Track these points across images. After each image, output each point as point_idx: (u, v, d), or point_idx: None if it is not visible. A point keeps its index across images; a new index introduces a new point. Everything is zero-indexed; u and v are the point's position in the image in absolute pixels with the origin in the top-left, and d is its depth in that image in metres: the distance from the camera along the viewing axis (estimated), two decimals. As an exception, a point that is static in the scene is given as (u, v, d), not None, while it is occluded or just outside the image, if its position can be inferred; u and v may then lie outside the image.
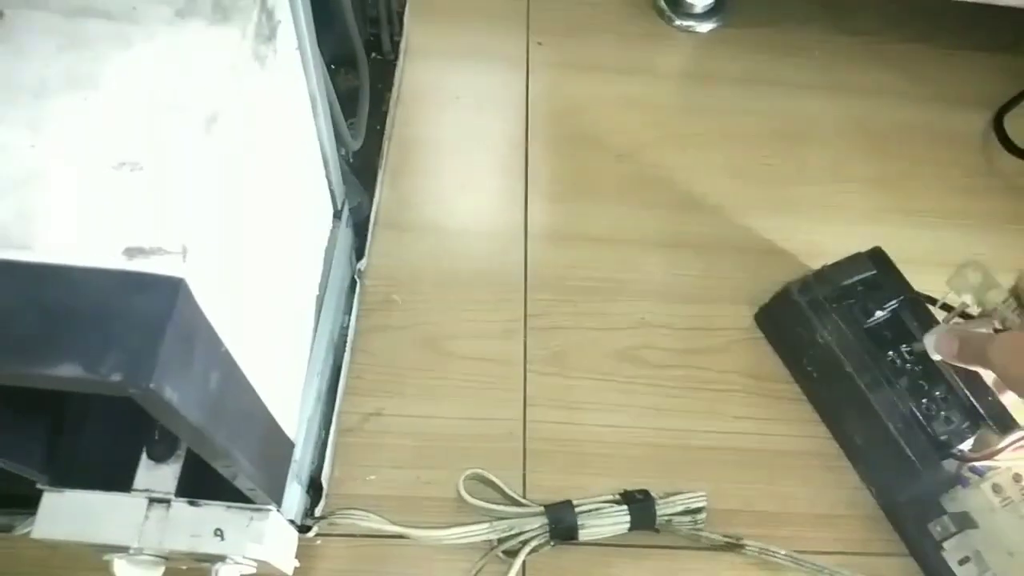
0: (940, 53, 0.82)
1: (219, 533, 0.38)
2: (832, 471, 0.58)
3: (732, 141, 0.74)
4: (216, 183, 0.28)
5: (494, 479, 0.53)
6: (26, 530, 0.42)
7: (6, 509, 0.44)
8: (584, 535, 0.51)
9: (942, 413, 0.54)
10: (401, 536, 0.50)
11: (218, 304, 0.27)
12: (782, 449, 0.59)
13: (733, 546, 0.53)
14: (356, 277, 0.59)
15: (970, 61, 0.82)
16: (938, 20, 0.83)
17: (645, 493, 0.53)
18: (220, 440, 0.28)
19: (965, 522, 0.52)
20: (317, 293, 0.50)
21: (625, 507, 0.52)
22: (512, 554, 0.51)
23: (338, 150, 0.51)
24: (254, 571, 0.40)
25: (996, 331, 0.50)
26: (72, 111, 0.28)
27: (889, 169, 0.74)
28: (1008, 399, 0.54)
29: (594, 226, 0.67)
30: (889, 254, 0.60)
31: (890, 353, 0.56)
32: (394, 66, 0.70)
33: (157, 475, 0.38)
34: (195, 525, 0.38)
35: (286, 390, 0.42)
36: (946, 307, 0.55)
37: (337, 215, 0.54)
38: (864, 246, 0.60)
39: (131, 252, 0.24)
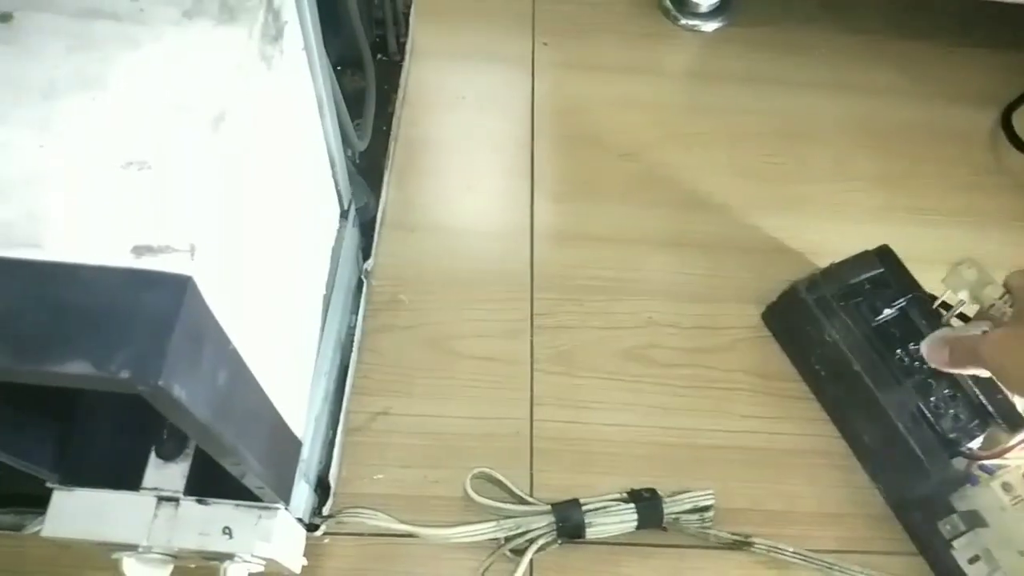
0: (944, 51, 0.81)
1: (228, 531, 0.38)
2: (840, 469, 0.58)
3: (737, 140, 0.73)
4: (223, 182, 0.28)
5: (501, 478, 0.53)
6: (36, 529, 0.42)
7: (16, 508, 0.45)
8: (591, 533, 0.51)
9: (951, 411, 0.54)
10: (409, 535, 0.50)
11: (226, 302, 0.27)
12: (790, 448, 0.58)
13: (742, 544, 0.53)
14: (363, 277, 0.59)
15: (974, 58, 0.81)
16: (942, 18, 0.82)
17: (652, 492, 0.53)
18: (228, 438, 0.28)
19: (975, 521, 0.52)
20: (324, 292, 0.50)
21: (632, 505, 0.52)
22: (519, 552, 0.51)
23: (344, 150, 0.52)
24: (262, 569, 0.40)
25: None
26: (80, 111, 0.28)
27: (895, 167, 0.74)
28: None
29: (600, 225, 0.67)
30: (896, 252, 0.59)
31: (898, 351, 0.55)
32: (400, 67, 0.70)
33: (166, 474, 0.38)
34: (204, 523, 0.38)
35: (293, 389, 0.42)
36: (945, 305, 0.55)
37: (344, 215, 0.54)
38: (870, 244, 0.60)
39: (139, 250, 0.24)
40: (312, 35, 0.40)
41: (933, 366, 0.53)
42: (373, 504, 0.50)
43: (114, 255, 0.24)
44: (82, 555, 0.46)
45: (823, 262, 0.61)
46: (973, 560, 0.52)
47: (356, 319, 0.57)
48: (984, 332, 0.50)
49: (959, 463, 0.53)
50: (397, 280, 0.62)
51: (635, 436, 0.58)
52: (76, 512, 0.37)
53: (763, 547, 0.53)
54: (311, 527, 0.47)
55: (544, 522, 0.51)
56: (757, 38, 0.80)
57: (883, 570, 0.53)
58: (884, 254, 0.60)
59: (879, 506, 0.56)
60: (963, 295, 0.52)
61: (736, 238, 0.68)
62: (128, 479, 0.38)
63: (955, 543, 0.52)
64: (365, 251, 0.59)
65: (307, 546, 0.46)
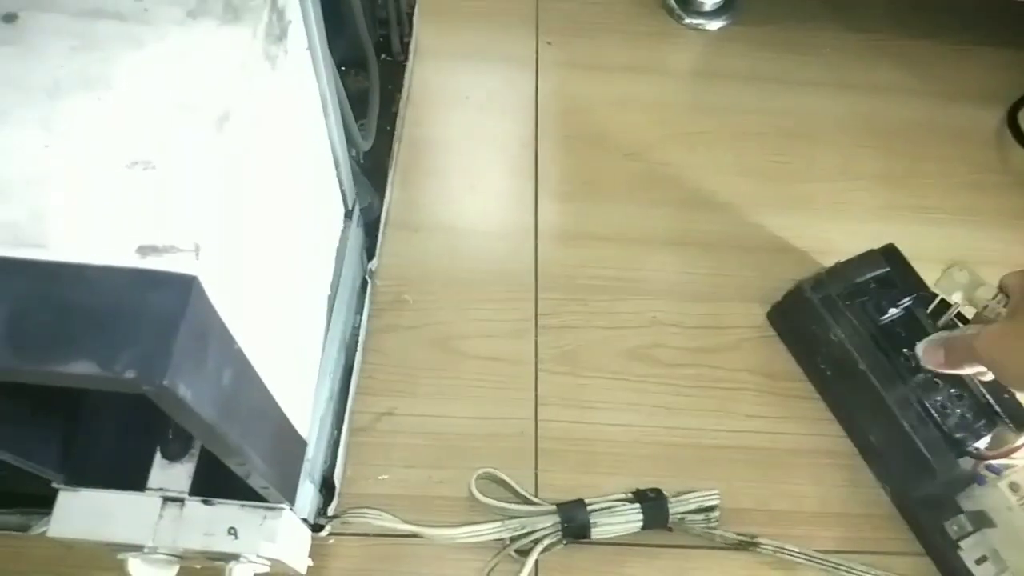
0: (949, 49, 0.81)
1: (233, 532, 0.38)
2: (845, 469, 0.58)
3: (742, 139, 0.73)
4: (227, 182, 0.28)
5: (506, 478, 0.53)
6: (42, 529, 0.42)
7: (22, 508, 0.45)
8: (596, 534, 0.51)
9: (957, 411, 0.54)
10: (414, 535, 0.50)
11: (230, 302, 0.27)
12: (795, 448, 0.58)
13: (747, 544, 0.53)
14: (367, 277, 0.59)
15: (979, 56, 0.81)
16: (946, 16, 0.82)
17: (657, 492, 0.53)
18: (233, 437, 0.28)
19: (982, 521, 0.52)
20: (329, 293, 0.50)
21: (637, 506, 0.52)
22: (524, 553, 0.51)
23: (349, 150, 0.52)
24: (267, 570, 0.40)
25: None
26: (84, 111, 0.28)
27: (899, 166, 0.73)
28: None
29: (604, 225, 0.67)
30: (901, 251, 0.59)
31: (904, 351, 0.55)
32: (404, 67, 0.70)
33: (171, 474, 0.38)
34: (209, 524, 0.38)
35: (298, 389, 0.42)
36: (942, 306, 0.55)
37: (348, 215, 0.54)
38: (875, 243, 0.60)
39: (144, 250, 0.24)
40: (316, 35, 0.40)
41: (929, 369, 0.53)
42: (378, 504, 0.50)
43: (119, 255, 0.24)
44: (88, 555, 0.46)
45: (828, 261, 0.61)
46: (980, 561, 0.51)
47: (360, 319, 0.57)
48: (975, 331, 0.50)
49: (966, 463, 0.53)
50: (401, 280, 0.62)
51: (640, 436, 0.57)
52: (82, 512, 0.37)
53: (769, 547, 0.53)
54: (316, 527, 0.47)
55: (549, 522, 0.51)
56: (761, 37, 0.80)
57: (889, 570, 0.53)
58: (890, 253, 0.59)
59: (885, 506, 0.56)
60: (957, 297, 0.52)
61: (740, 237, 0.67)
62: (133, 479, 0.38)
63: (962, 543, 0.52)
64: (369, 251, 0.59)
65: (312, 546, 0.46)
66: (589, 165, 0.70)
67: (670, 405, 0.59)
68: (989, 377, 0.52)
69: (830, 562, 0.53)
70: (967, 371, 0.51)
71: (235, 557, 0.38)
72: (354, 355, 0.55)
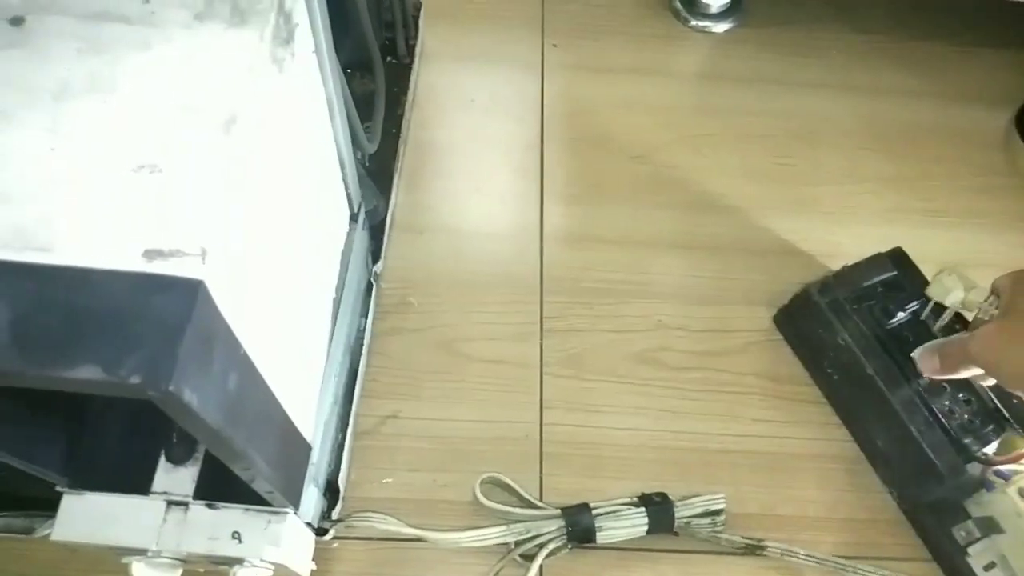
0: (955, 51, 0.81)
1: (237, 536, 0.38)
2: (852, 474, 0.57)
3: (748, 142, 0.73)
4: (233, 186, 0.28)
5: (510, 482, 0.53)
6: (46, 532, 0.42)
7: (26, 511, 0.44)
8: (601, 538, 0.51)
9: (965, 416, 0.53)
10: (418, 539, 0.50)
11: (236, 306, 0.27)
12: (801, 452, 0.58)
13: (754, 549, 0.53)
14: (372, 280, 0.59)
15: (986, 58, 0.81)
16: (952, 18, 0.82)
17: (663, 496, 0.53)
18: (238, 442, 0.28)
19: (990, 527, 0.51)
20: (334, 296, 0.50)
21: (643, 510, 0.52)
22: (529, 557, 0.50)
23: (354, 153, 0.51)
24: (271, 574, 0.40)
25: None
26: (91, 114, 0.28)
27: (906, 169, 0.73)
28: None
29: (610, 228, 0.67)
30: (908, 254, 0.59)
31: (911, 355, 0.55)
32: (409, 69, 0.70)
33: (175, 477, 0.38)
34: (213, 528, 0.38)
35: (303, 392, 0.42)
36: (939, 308, 0.55)
37: (353, 218, 0.54)
38: (882, 246, 0.60)
39: (150, 254, 0.24)
40: (323, 38, 0.40)
41: (926, 376, 0.53)
42: (382, 508, 0.50)
43: (125, 259, 0.24)
44: (92, 559, 0.46)
45: (835, 264, 0.61)
46: (989, 567, 0.51)
47: (365, 322, 0.57)
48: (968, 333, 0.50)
49: (974, 468, 0.52)
50: (406, 283, 0.62)
51: (645, 440, 0.57)
52: (85, 516, 0.37)
53: (775, 552, 0.52)
54: (320, 531, 0.47)
55: (554, 526, 0.50)
56: (767, 39, 0.80)
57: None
58: (897, 257, 0.59)
59: (892, 511, 0.56)
60: (950, 301, 0.52)
61: (747, 240, 0.67)
62: (137, 483, 0.38)
63: (970, 549, 0.51)
64: (374, 254, 0.59)
65: (316, 550, 0.46)
66: (595, 168, 0.70)
67: (676, 409, 0.59)
68: (990, 381, 0.52)
69: (837, 562, 0.52)
70: (963, 375, 0.51)
71: (239, 561, 0.38)
72: (359, 358, 0.55)
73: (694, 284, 0.65)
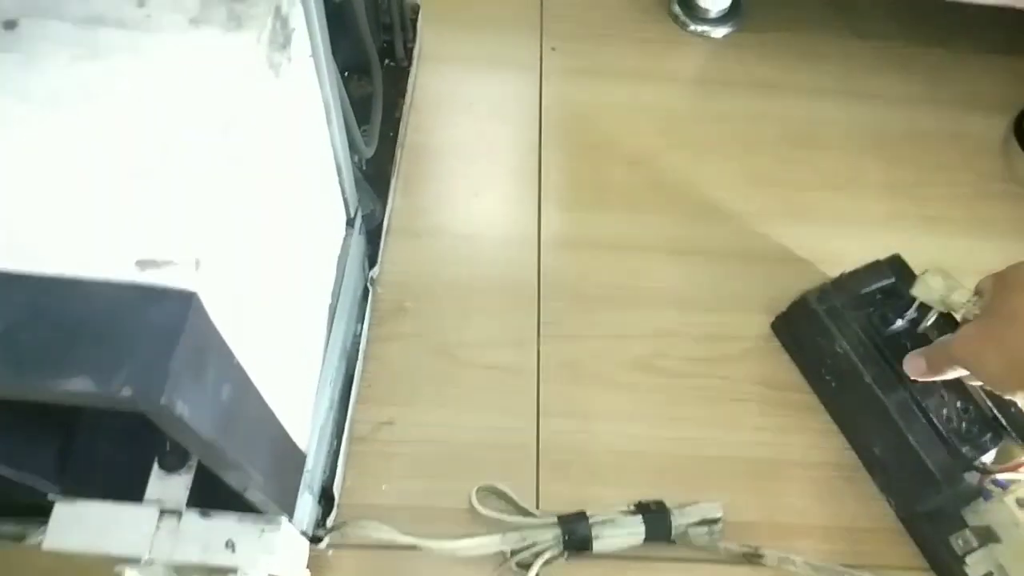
0: (956, 57, 0.81)
1: (230, 545, 0.37)
2: (851, 482, 0.57)
3: (747, 147, 0.73)
4: (229, 193, 0.28)
5: (507, 490, 0.53)
6: (38, 539, 0.41)
7: (18, 518, 0.44)
8: (598, 547, 0.50)
9: (963, 424, 0.53)
10: (413, 547, 0.49)
11: (230, 316, 0.27)
12: (800, 460, 0.58)
13: (751, 557, 0.52)
14: (369, 285, 0.59)
15: (987, 65, 0.81)
16: (953, 23, 0.82)
17: (660, 504, 0.52)
18: (231, 453, 0.28)
19: (988, 536, 0.51)
20: (330, 301, 0.49)
21: (640, 518, 0.51)
22: (525, 566, 0.50)
23: (351, 157, 0.51)
24: (265, 583, 0.40)
25: None
26: (84, 121, 0.28)
27: (905, 175, 0.73)
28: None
29: (608, 233, 0.66)
30: (907, 261, 0.59)
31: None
32: (407, 73, 0.70)
33: (169, 485, 0.38)
34: (206, 536, 0.37)
35: (298, 400, 0.42)
36: (923, 309, 0.55)
37: (350, 223, 0.54)
38: (881, 253, 0.60)
39: (143, 264, 0.24)
40: (320, 42, 0.40)
41: (914, 379, 0.53)
42: (378, 515, 0.50)
43: (117, 268, 0.24)
44: (84, 567, 0.45)
45: (833, 271, 0.61)
46: (986, 576, 0.51)
47: (361, 327, 0.56)
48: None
49: (971, 477, 0.52)
50: (403, 288, 0.62)
51: (643, 447, 0.57)
52: (78, 524, 0.36)
53: (773, 560, 0.52)
54: (315, 539, 0.46)
55: (550, 535, 0.50)
56: (767, 44, 0.80)
57: (894, 585, 0.52)
58: (895, 264, 0.59)
59: (890, 519, 0.56)
60: (934, 301, 0.53)
61: (745, 246, 0.67)
62: (130, 490, 0.38)
63: (968, 559, 0.51)
64: (371, 258, 0.59)
65: (310, 558, 0.45)
66: (593, 172, 0.70)
67: (674, 416, 0.58)
68: (978, 382, 0.52)
69: (835, 569, 0.52)
70: (950, 376, 0.51)
71: (233, 571, 0.38)
72: (355, 364, 0.54)
73: (692, 290, 0.64)
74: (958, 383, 0.53)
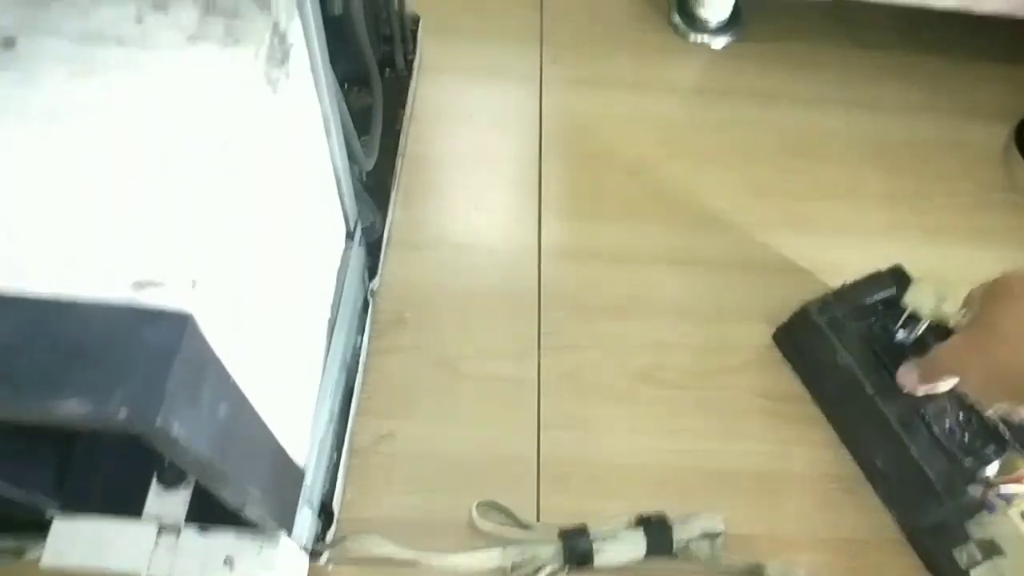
0: (956, 66, 0.81)
1: (229, 562, 0.37)
2: (853, 494, 0.57)
3: (747, 157, 0.73)
4: (227, 211, 0.28)
5: (507, 505, 0.52)
6: (37, 555, 0.41)
7: (17, 534, 0.44)
8: (599, 561, 0.50)
9: (966, 436, 0.53)
10: (413, 562, 0.49)
11: (227, 335, 0.27)
12: (802, 472, 0.57)
13: (754, 571, 0.52)
14: (369, 297, 0.59)
15: (986, 73, 0.81)
16: (953, 33, 0.82)
17: (662, 517, 0.52)
18: (228, 472, 0.28)
19: (992, 549, 0.51)
20: (329, 315, 0.49)
21: (641, 531, 0.51)
22: (526, 580, 0.50)
23: (351, 169, 0.51)
24: (264, 599, 0.40)
25: None
26: (81, 139, 0.28)
27: (905, 184, 0.73)
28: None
29: (609, 244, 0.66)
30: (908, 271, 0.59)
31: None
32: (407, 84, 0.70)
33: (167, 501, 0.38)
34: (205, 553, 0.37)
35: (296, 415, 0.41)
36: (914, 318, 0.55)
37: (350, 235, 0.54)
38: (882, 263, 0.59)
39: (139, 285, 0.24)
40: (319, 56, 0.40)
41: (907, 389, 0.53)
42: (377, 528, 0.50)
43: (114, 289, 0.24)
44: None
45: (834, 281, 0.61)
46: (991, 590, 0.50)
47: (362, 340, 0.56)
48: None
49: (975, 490, 0.52)
50: (403, 300, 0.61)
51: (645, 459, 0.57)
52: (76, 540, 0.36)
53: (776, 573, 0.52)
54: (314, 554, 0.46)
55: (551, 549, 0.50)
56: (766, 54, 0.80)
57: (898, 599, 0.52)
58: (896, 274, 0.59)
59: (893, 532, 0.55)
60: (926, 311, 0.53)
61: (746, 256, 0.67)
62: (129, 506, 0.38)
63: (972, 572, 0.51)
64: (371, 270, 0.59)
65: (310, 573, 0.45)
66: (594, 183, 0.70)
67: (675, 427, 0.58)
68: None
69: (838, 586, 0.52)
70: (941, 387, 0.51)
71: (231, 587, 0.38)
72: (355, 376, 0.54)
73: (693, 300, 0.64)
74: (960, 393, 0.53)
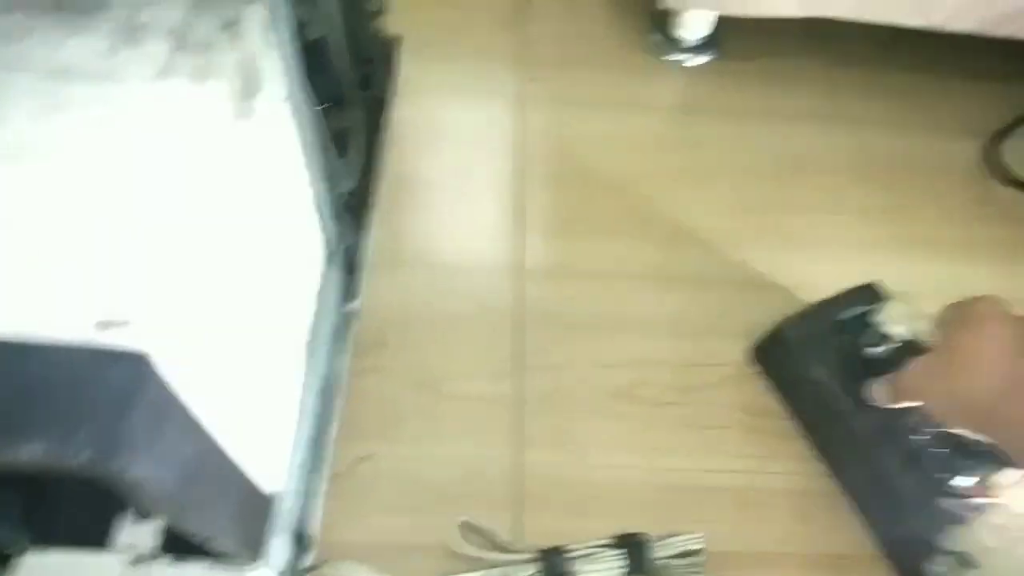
0: (933, 83, 0.82)
1: (202, 592, 0.37)
2: (831, 510, 0.57)
3: (727, 174, 0.73)
4: (193, 246, 0.28)
5: (486, 526, 0.52)
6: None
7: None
8: (578, 582, 0.50)
9: (939, 450, 0.53)
10: (390, 587, 0.49)
11: (192, 373, 0.27)
12: (781, 487, 0.58)
13: (731, 590, 0.52)
14: (348, 318, 0.58)
15: (962, 90, 0.81)
16: (931, 50, 0.82)
17: (641, 536, 0.52)
18: (191, 510, 0.28)
19: (966, 561, 0.51)
20: (308, 338, 0.49)
21: (621, 551, 0.51)
22: (505, 602, 0.50)
23: (330, 191, 0.51)
24: (240, 628, 0.40)
25: None
26: (46, 177, 0.28)
27: (884, 199, 0.73)
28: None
29: (589, 262, 0.67)
30: (885, 287, 0.59)
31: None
32: (387, 104, 0.70)
33: (138, 532, 0.38)
34: (178, 584, 0.37)
35: (271, 440, 0.41)
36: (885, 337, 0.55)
37: (329, 257, 0.54)
38: (861, 278, 0.60)
39: (102, 325, 0.24)
40: (295, 83, 0.40)
41: (882, 406, 0.53)
42: (357, 553, 0.49)
43: (75, 329, 0.24)
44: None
45: (812, 296, 0.61)
46: (966, 604, 0.51)
47: (341, 361, 0.56)
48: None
49: (947, 503, 0.52)
50: (384, 321, 0.61)
51: (626, 477, 0.57)
52: (47, 574, 0.36)
53: (754, 592, 0.52)
54: (291, 579, 0.46)
55: (530, 571, 0.50)
56: (746, 72, 0.80)
57: (876, 615, 0.52)
58: (873, 290, 0.59)
59: (871, 546, 0.56)
60: (899, 331, 0.53)
61: (726, 273, 0.67)
62: (101, 536, 0.38)
63: (947, 586, 0.51)
64: (351, 291, 0.59)
65: (288, 599, 0.45)
66: (574, 201, 0.70)
67: (655, 445, 0.58)
68: None
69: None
70: (914, 404, 0.51)
71: (206, 617, 0.37)
72: (334, 398, 0.54)
73: (673, 317, 0.65)
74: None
